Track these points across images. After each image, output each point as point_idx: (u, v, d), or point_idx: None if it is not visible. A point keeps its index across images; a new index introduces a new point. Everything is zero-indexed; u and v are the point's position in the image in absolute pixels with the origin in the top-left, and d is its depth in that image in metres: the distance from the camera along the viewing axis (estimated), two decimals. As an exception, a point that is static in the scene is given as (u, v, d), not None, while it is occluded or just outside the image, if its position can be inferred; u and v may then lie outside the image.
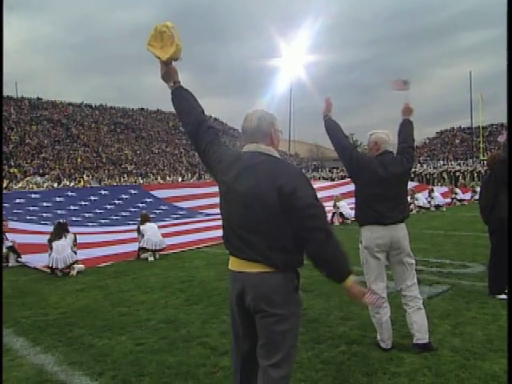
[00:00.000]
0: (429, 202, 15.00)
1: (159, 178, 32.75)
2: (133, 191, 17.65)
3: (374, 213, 3.42)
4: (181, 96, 2.32)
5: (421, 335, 3.38)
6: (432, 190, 15.76)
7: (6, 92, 44.28)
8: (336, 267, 2.03)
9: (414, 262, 3.50)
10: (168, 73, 2.31)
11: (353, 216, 13.20)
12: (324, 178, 34.77)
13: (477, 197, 14.33)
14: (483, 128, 38.71)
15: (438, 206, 14.98)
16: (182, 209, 16.30)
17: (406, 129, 3.69)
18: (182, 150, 46.86)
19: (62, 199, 15.79)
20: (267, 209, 1.96)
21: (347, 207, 12.08)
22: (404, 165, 3.50)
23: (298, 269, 2.09)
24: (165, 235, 8.86)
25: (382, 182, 3.39)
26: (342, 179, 29.02)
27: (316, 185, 22.04)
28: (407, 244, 3.46)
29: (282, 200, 1.94)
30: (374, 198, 3.42)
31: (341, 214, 12.18)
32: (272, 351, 2.02)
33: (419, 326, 3.38)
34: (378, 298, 2.20)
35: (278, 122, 2.23)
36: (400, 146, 3.61)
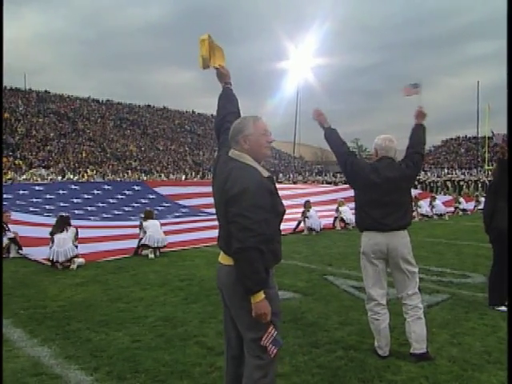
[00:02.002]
0: (431, 209, 14.95)
1: (163, 175, 32.81)
2: (136, 187, 17.68)
3: (370, 219, 3.43)
4: (222, 94, 2.69)
5: (418, 345, 3.35)
6: (434, 199, 15.68)
7: (14, 84, 44.59)
8: (242, 279, 2.13)
9: (415, 270, 3.44)
10: (218, 75, 2.71)
11: (353, 221, 13.16)
12: (327, 182, 34.71)
13: (480, 207, 14.33)
14: (489, 138, 38.51)
15: (440, 215, 14.93)
16: (184, 207, 16.30)
17: (416, 134, 3.64)
18: (187, 149, 46.94)
19: (65, 192, 15.86)
20: (221, 209, 2.22)
21: (349, 212, 12.01)
22: (401, 170, 3.44)
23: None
24: (167, 233, 8.86)
25: (375, 188, 3.40)
26: (345, 184, 29.01)
27: (318, 189, 22.01)
28: (407, 252, 3.39)
29: (225, 203, 2.16)
30: (369, 203, 3.44)
31: (342, 219, 12.14)
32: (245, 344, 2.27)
33: (417, 336, 3.35)
34: (273, 339, 2.13)
35: (252, 127, 2.27)
36: (407, 151, 3.58)
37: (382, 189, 3.38)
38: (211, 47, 2.66)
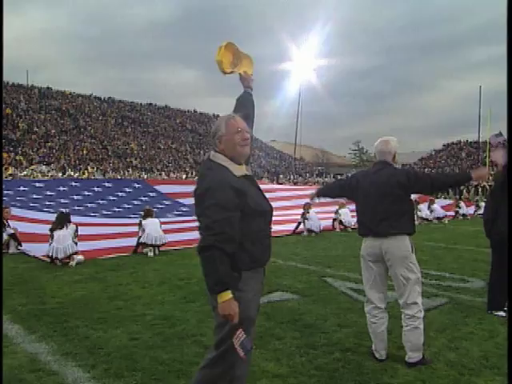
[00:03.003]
0: (430, 213, 14.94)
1: (163, 173, 32.81)
2: (136, 185, 17.68)
3: (363, 226, 3.51)
4: (239, 97, 2.78)
5: (413, 354, 3.33)
6: (432, 202, 15.56)
7: (16, 80, 44.57)
8: (205, 278, 2.15)
9: (413, 277, 3.30)
10: (240, 79, 2.83)
11: (353, 224, 13.14)
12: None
13: (480, 211, 14.33)
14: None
15: (438, 218, 14.92)
16: (184, 205, 16.27)
17: (452, 177, 3.74)
18: (188, 148, 46.93)
19: (65, 189, 15.83)
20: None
21: (349, 215, 12.01)
22: (392, 175, 3.35)
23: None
24: (167, 231, 8.85)
25: (364, 193, 3.47)
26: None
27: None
28: (401, 257, 3.28)
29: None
30: (362, 210, 3.52)
31: (341, 222, 12.12)
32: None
33: (413, 346, 3.31)
34: (241, 343, 2.11)
35: (224, 127, 2.29)
36: (431, 172, 3.60)
37: (371, 194, 3.41)
38: (236, 54, 2.82)
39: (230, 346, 2.15)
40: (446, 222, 14.82)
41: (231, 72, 2.81)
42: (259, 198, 2.30)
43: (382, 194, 3.35)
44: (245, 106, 2.70)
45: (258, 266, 2.30)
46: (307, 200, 13.22)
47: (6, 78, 42.89)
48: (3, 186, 14.35)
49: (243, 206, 2.17)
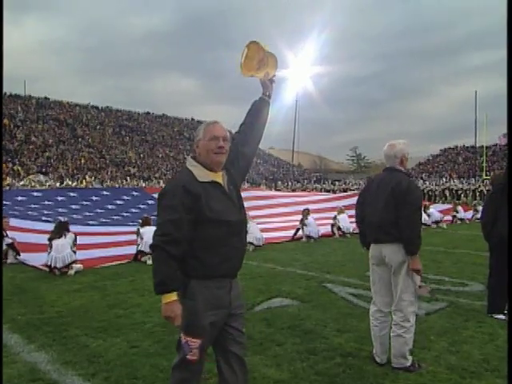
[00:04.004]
0: (428, 217, 14.93)
1: (161, 182, 32.78)
2: (135, 193, 17.69)
3: (365, 234, 3.59)
4: (253, 103, 2.61)
5: (396, 360, 3.33)
6: (427, 207, 15.43)
7: (14, 90, 44.68)
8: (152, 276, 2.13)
9: (401, 285, 3.28)
10: (260, 83, 2.63)
11: (351, 229, 13.03)
12: (326, 190, 34.76)
13: (478, 216, 14.32)
14: (487, 148, 38.70)
15: (436, 222, 14.91)
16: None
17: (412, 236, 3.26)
18: (186, 156, 46.98)
19: (63, 198, 15.84)
20: None
21: (347, 221, 12.01)
22: (389, 185, 3.32)
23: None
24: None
25: (369, 200, 3.51)
26: (343, 191, 29.03)
27: (319, 197, 21.99)
28: (401, 262, 3.27)
29: None
30: (366, 219, 3.55)
31: (339, 228, 12.09)
32: None
33: (396, 352, 3.32)
34: (182, 346, 2.13)
35: (202, 133, 2.29)
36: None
37: (372, 200, 3.45)
38: (260, 54, 2.58)
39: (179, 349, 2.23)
40: (445, 226, 14.82)
41: (251, 76, 2.65)
42: (222, 206, 2.19)
43: (380, 200, 3.37)
44: (251, 115, 2.55)
45: (214, 277, 2.18)
46: (306, 206, 13.25)
47: (3, 89, 42.98)
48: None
49: (197, 211, 2.11)
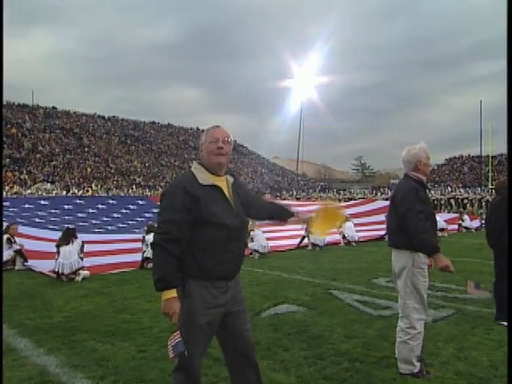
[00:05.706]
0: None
1: (167, 190, 32.82)
2: (140, 202, 17.79)
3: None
4: (283, 210, 2.70)
5: (402, 366, 3.32)
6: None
7: (22, 100, 45.24)
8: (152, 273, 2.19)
9: (404, 291, 3.33)
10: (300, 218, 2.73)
11: (356, 238, 12.92)
12: (331, 199, 34.68)
13: (485, 224, 14.21)
14: (492, 157, 38.59)
15: (441, 230, 14.81)
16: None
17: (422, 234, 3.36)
18: (191, 165, 47.15)
19: (70, 207, 15.97)
20: None
21: (353, 229, 11.94)
22: (395, 192, 3.46)
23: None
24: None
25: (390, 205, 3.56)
26: (349, 200, 28.95)
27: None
28: (401, 268, 3.34)
29: None
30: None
31: (344, 236, 12.03)
32: None
33: (402, 358, 3.32)
34: (175, 344, 2.14)
35: (204, 136, 2.40)
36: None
37: (390, 207, 3.53)
38: (330, 218, 2.81)
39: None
40: (446, 235, 14.63)
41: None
42: (220, 210, 2.21)
43: (394, 207, 3.42)
44: (273, 216, 2.65)
45: (211, 278, 2.22)
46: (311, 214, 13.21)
47: (12, 99, 43.54)
48: (9, 204, 14.46)
49: (196, 212, 2.16)
